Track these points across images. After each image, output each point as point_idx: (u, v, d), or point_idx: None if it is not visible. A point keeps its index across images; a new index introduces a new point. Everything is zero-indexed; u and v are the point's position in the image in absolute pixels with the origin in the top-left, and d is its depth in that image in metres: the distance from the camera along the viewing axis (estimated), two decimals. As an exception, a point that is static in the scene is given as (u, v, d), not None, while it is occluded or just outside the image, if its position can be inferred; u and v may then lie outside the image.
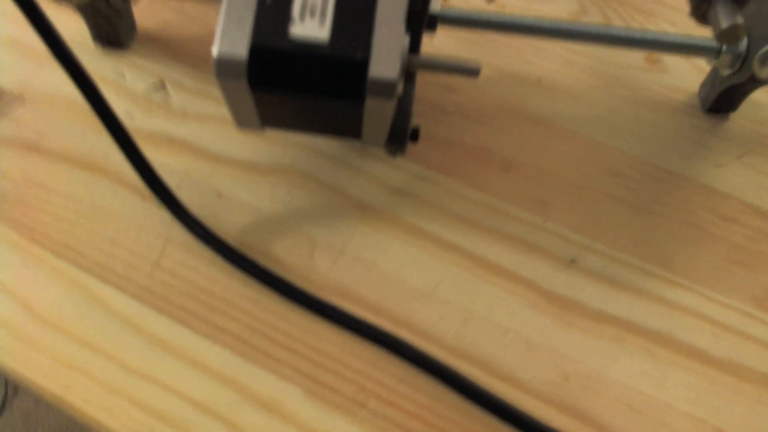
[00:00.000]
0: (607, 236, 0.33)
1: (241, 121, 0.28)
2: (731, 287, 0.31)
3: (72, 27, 0.37)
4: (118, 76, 0.36)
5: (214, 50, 0.23)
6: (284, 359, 0.28)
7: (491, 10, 0.36)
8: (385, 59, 0.24)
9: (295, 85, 0.24)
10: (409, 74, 0.31)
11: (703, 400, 0.28)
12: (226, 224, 0.31)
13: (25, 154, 0.33)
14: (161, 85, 0.36)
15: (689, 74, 0.39)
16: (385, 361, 0.28)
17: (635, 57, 0.40)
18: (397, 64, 0.24)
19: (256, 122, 0.28)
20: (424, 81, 0.37)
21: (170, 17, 0.39)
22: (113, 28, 0.37)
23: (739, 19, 0.25)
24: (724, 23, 0.25)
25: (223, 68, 0.24)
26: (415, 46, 0.30)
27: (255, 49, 0.23)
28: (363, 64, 0.24)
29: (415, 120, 0.35)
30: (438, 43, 0.39)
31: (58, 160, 0.33)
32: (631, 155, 0.35)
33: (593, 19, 0.42)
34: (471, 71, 0.28)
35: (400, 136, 0.30)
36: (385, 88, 0.24)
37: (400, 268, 0.31)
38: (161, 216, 0.31)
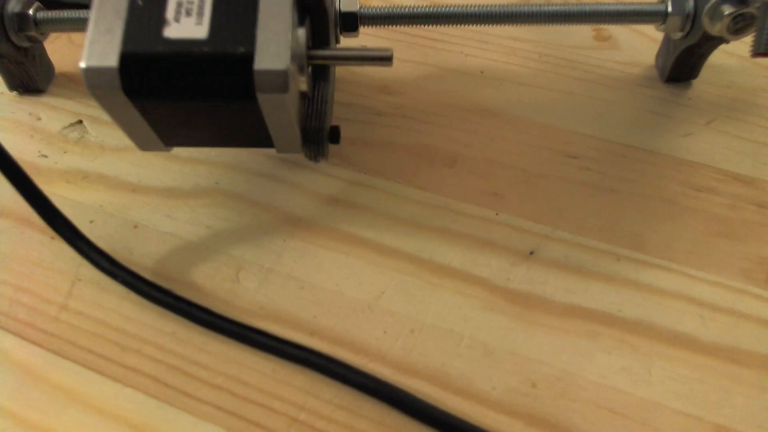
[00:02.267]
0: (568, 222, 0.29)
1: (141, 143, 0.26)
2: (716, 262, 0.27)
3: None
4: (33, 119, 0.34)
5: (82, 63, 0.21)
6: (204, 397, 0.24)
7: (419, 3, 0.34)
8: (272, 50, 0.21)
9: (177, 91, 0.22)
10: (320, 71, 0.28)
11: (696, 394, 0.24)
12: (142, 256, 0.28)
13: (-70, 208, 0.31)
14: (78, 123, 0.34)
15: (642, 47, 0.36)
16: (320, 387, 0.24)
17: (583, 37, 0.37)
18: (286, 54, 0.21)
19: (158, 142, 0.25)
20: (357, 85, 0.35)
21: (90, 56, 0.37)
22: (27, 73, 0.35)
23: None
24: None
25: (95, 81, 0.21)
26: (322, 41, 0.27)
27: (126, 56, 0.21)
28: (246, 58, 0.21)
29: (349, 126, 0.33)
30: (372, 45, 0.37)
31: (-36, 210, 0.30)
32: (589, 135, 0.32)
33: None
34: (382, 58, 0.25)
35: (317, 136, 0.27)
36: (275, 81, 0.21)
37: (336, 281, 0.27)
38: (71, 255, 0.28)
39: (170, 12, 0.22)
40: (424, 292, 0.27)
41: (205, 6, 0.22)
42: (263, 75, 0.21)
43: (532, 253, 0.28)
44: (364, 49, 0.26)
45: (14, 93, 0.36)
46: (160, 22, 0.21)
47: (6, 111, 0.35)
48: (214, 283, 0.27)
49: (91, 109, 0.34)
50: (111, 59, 0.21)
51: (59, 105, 0.35)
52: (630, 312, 0.26)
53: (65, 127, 0.34)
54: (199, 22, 0.22)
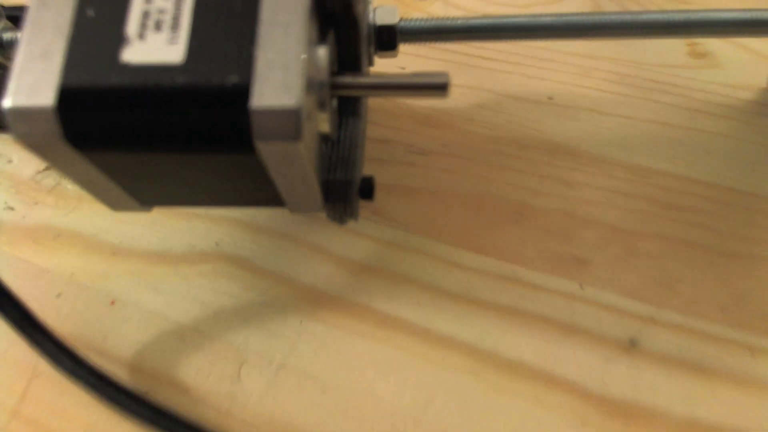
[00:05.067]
0: (679, 299, 0.22)
1: (110, 203, 0.19)
2: None
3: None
4: (3, 161, 0.28)
5: (6, 101, 0.15)
6: None
7: (470, 16, 0.27)
8: (277, 79, 0.15)
9: (142, 138, 0.15)
10: (348, 104, 0.22)
11: None
12: (118, 344, 0.22)
13: None
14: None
15: (751, 65, 0.29)
16: None
17: (673, 53, 0.30)
18: (298, 84, 0.15)
19: (130, 201, 0.19)
20: (394, 116, 0.28)
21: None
22: None
23: None
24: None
25: (24, 127, 0.15)
26: (352, 63, 0.21)
27: (67, 92, 0.15)
28: (240, 92, 0.15)
29: (386, 169, 0.26)
30: (412, 68, 0.30)
31: None
32: (696, 180, 0.25)
33: (611, 17, 0.32)
34: (435, 87, 0.19)
35: (344, 192, 0.20)
36: (282, 124, 0.15)
37: (370, 382, 0.20)
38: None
39: (132, 25, 0.15)
40: (489, 399, 0.20)
41: (183, 15, 0.15)
42: (264, 116, 0.15)
43: (633, 342, 0.21)
44: (411, 75, 0.19)
45: (-14, 131, 0.30)
46: (118, 40, 0.15)
47: (-27, 152, 0.29)
48: (209, 384, 0.21)
49: (73, 149, 0.28)
50: (46, 95, 0.15)
51: (36, 144, 0.29)
52: (782, 436, 0.19)
53: (39, 172, 0.28)
54: (173, 40, 0.15)
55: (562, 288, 0.22)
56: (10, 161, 0.28)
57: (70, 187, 0.27)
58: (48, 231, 0.25)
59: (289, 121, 0.15)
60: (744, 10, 0.24)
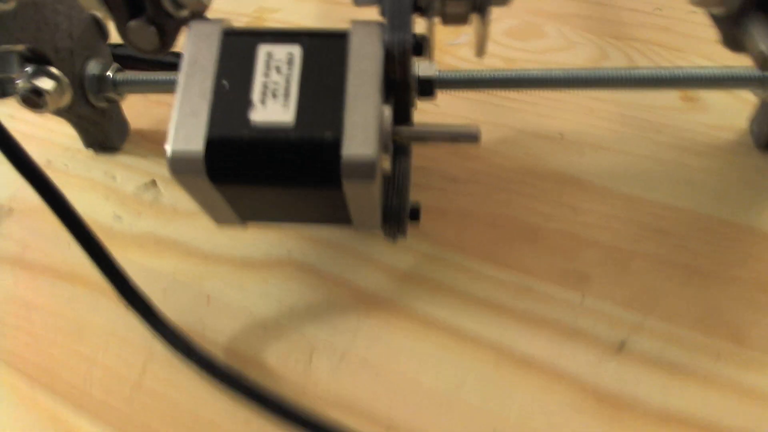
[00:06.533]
0: (662, 310, 0.27)
1: (218, 219, 0.25)
2: (828, 362, 0.25)
3: (66, 134, 0.36)
4: (108, 178, 0.34)
5: (168, 148, 0.21)
6: (279, 493, 0.23)
7: (495, 67, 0.32)
8: (360, 136, 0.20)
9: (261, 176, 0.21)
10: (400, 147, 0.27)
11: None
12: (215, 332, 0.28)
13: (9, 269, 0.31)
14: (152, 184, 0.34)
15: (735, 109, 0.34)
16: (399, 489, 0.23)
17: (669, 97, 0.35)
18: (374, 140, 0.20)
19: (235, 218, 0.25)
20: (431, 149, 0.34)
21: (164, 114, 0.38)
22: (103, 132, 0.35)
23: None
24: (764, 46, 0.20)
25: (179, 166, 0.21)
26: (404, 116, 0.26)
27: (212, 142, 0.21)
28: (334, 145, 0.20)
29: (423, 193, 0.32)
30: (445, 106, 0.36)
31: (41, 274, 0.31)
32: (681, 209, 0.30)
33: (615, 63, 0.38)
34: (469, 137, 0.24)
35: (397, 216, 0.26)
36: (363, 168, 0.20)
37: (414, 368, 0.26)
38: (144, 328, 0.27)
39: (256, 94, 0.21)
40: (506, 385, 0.25)
41: (291, 87, 0.21)
42: (351, 162, 0.20)
43: (622, 344, 0.26)
44: (452, 127, 0.24)
45: (90, 150, 0.36)
46: (246, 104, 0.21)
47: (82, 169, 0.35)
48: (287, 366, 0.27)
49: (164, 170, 0.34)
50: (197, 143, 0.21)
51: (133, 164, 0.35)
52: (734, 420, 0.24)
53: (139, 188, 0.34)
54: (285, 105, 0.21)
55: (566, 297, 0.28)
56: (114, 178, 0.34)
57: (165, 201, 0.33)
58: (150, 238, 0.31)
59: (368, 167, 0.20)
60: (720, 67, 0.30)
